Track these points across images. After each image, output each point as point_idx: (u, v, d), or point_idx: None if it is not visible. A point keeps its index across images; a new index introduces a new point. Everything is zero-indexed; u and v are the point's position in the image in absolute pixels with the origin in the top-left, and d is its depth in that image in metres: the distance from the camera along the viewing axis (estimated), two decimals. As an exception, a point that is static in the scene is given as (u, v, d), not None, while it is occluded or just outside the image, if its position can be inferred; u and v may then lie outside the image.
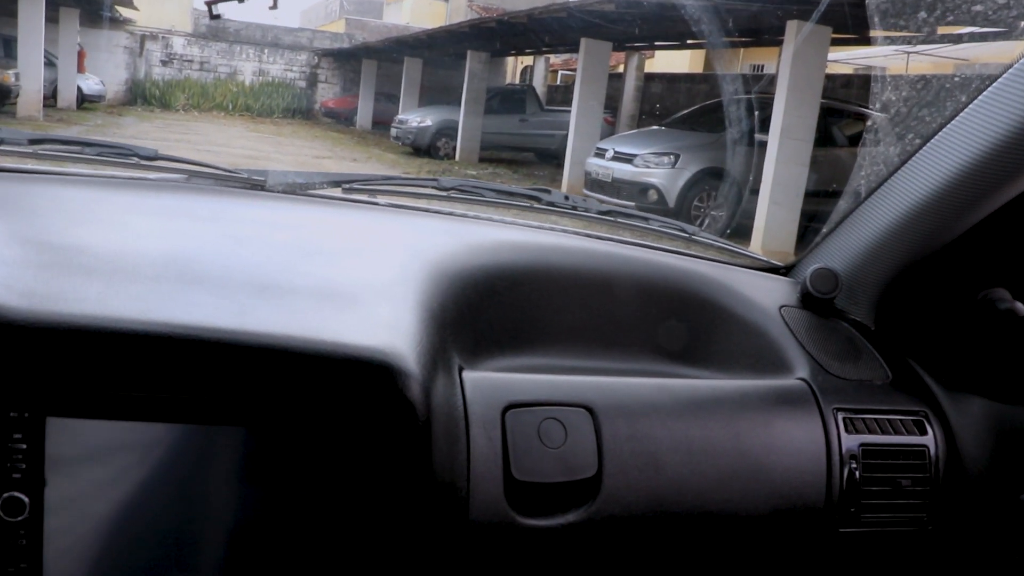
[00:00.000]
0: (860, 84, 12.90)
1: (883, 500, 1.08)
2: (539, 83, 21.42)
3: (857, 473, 1.07)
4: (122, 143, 1.39)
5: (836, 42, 10.42)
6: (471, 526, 0.91)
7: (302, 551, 0.83)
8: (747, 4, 8.84)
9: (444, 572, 0.92)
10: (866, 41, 11.12)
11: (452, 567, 0.92)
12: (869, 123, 9.50)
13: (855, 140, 10.41)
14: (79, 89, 18.36)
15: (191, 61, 23.82)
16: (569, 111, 13.95)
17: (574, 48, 14.09)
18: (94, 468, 0.80)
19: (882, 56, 11.68)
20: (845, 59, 13.61)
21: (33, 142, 1.35)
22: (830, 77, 11.14)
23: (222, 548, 0.82)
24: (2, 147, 1.32)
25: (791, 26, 9.06)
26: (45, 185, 1.19)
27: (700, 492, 0.99)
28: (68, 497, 0.79)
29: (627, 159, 10.72)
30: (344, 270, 1.04)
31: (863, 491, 1.07)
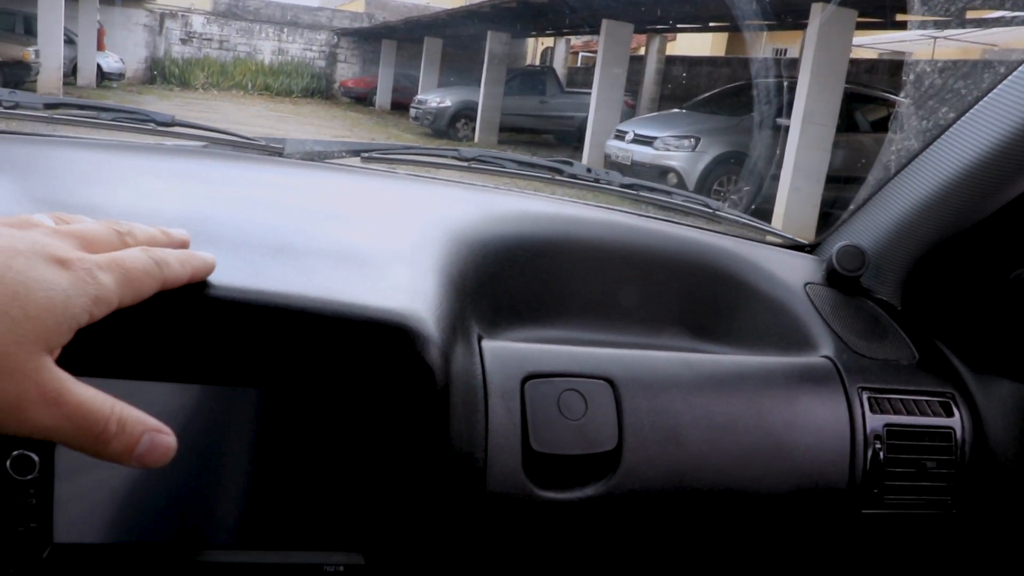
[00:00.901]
0: (885, 69, 12.80)
1: (907, 482, 1.06)
2: (559, 65, 21.48)
3: (881, 454, 1.05)
4: (138, 108, 1.39)
5: (861, 26, 10.34)
6: (488, 497, 0.90)
7: (315, 515, 0.82)
8: None
9: (460, 542, 0.91)
10: (891, 25, 11.03)
11: (468, 537, 0.91)
12: (899, 98, 9.42)
13: (878, 126, 10.36)
14: (99, 67, 18.50)
15: (210, 39, 23.94)
16: (589, 93, 13.96)
17: (595, 30, 14.06)
18: None
19: (908, 40, 11.60)
20: (870, 43, 13.48)
21: (49, 107, 1.34)
22: (854, 62, 11.09)
23: (234, 511, 0.81)
24: (18, 111, 1.31)
25: (816, 9, 9.04)
26: (60, 148, 1.17)
27: (721, 468, 0.97)
28: (79, 457, 0.76)
29: (647, 141, 10.74)
30: (363, 235, 1.02)
31: (887, 472, 1.05)
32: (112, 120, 1.35)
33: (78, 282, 0.44)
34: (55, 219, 0.53)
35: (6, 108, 1.30)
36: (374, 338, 0.81)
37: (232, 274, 0.80)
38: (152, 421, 0.51)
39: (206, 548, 0.80)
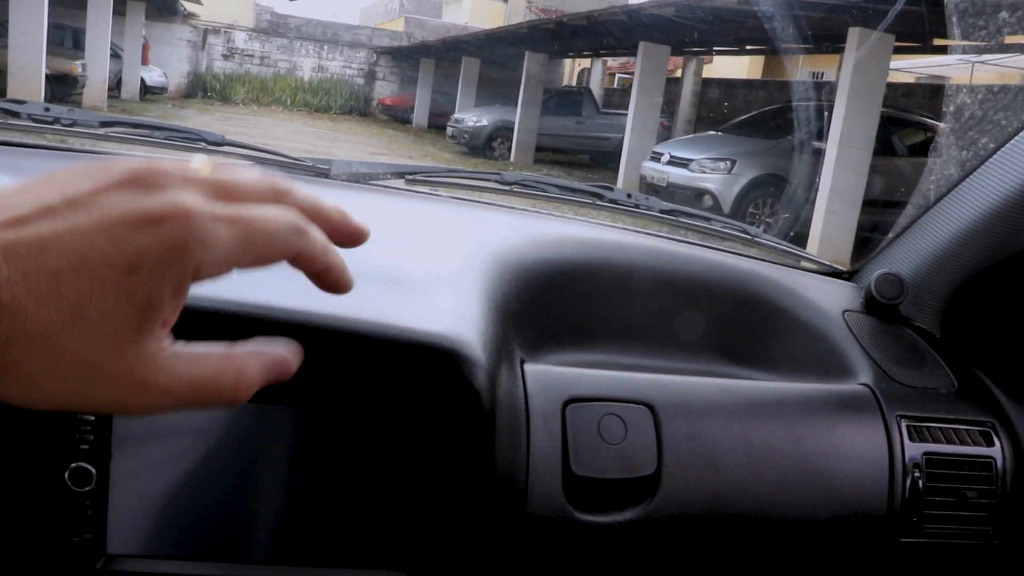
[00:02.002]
0: (923, 93, 12.69)
1: (947, 511, 1.05)
2: (596, 86, 21.47)
3: (920, 482, 1.04)
4: (190, 128, 1.42)
5: (898, 50, 10.27)
6: (529, 519, 0.91)
7: (360, 533, 0.83)
8: (809, 11, 8.74)
9: (501, 563, 0.91)
10: (929, 50, 10.94)
11: (509, 559, 0.91)
12: (938, 124, 9.34)
13: (915, 150, 10.26)
14: (142, 80, 18.84)
15: (252, 56, 24.26)
16: (625, 114, 13.95)
17: (632, 51, 14.07)
18: (156, 443, 0.80)
19: (946, 65, 11.50)
20: (907, 67, 13.38)
21: (104, 124, 1.38)
22: (891, 86, 11.00)
23: (282, 527, 0.83)
24: (75, 128, 1.36)
25: (853, 33, 8.96)
26: None
27: (759, 495, 0.97)
28: (131, 471, 0.79)
29: (683, 163, 10.67)
30: (409, 257, 1.04)
31: (926, 501, 1.04)
32: (164, 139, 1.39)
33: (172, 249, 0.38)
34: (213, 165, 0.47)
35: (64, 125, 1.35)
36: (422, 361, 0.82)
37: (284, 295, 0.82)
38: (270, 356, 0.46)
39: (253, 563, 0.82)
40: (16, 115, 1.35)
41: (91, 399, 0.39)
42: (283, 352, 0.47)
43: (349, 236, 0.53)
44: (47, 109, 1.36)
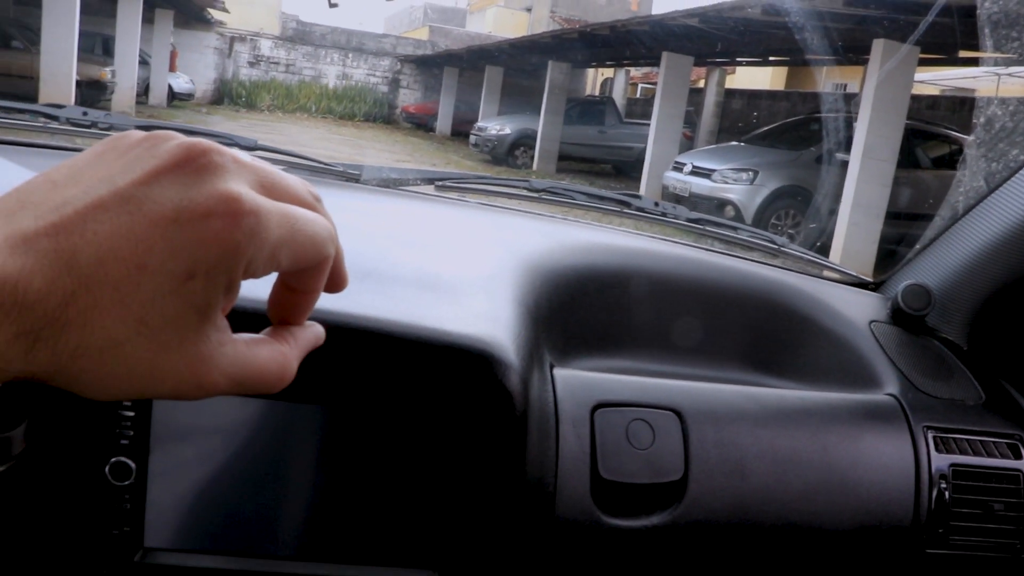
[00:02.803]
0: (947, 105, 12.62)
1: (973, 523, 1.04)
2: (619, 95, 21.48)
3: (947, 494, 1.03)
4: (224, 132, 1.43)
5: (923, 62, 10.23)
6: (557, 522, 0.91)
7: (392, 531, 0.84)
8: (833, 22, 8.72)
9: (528, 566, 0.91)
10: (954, 62, 10.89)
11: (536, 561, 0.91)
12: (964, 137, 9.24)
13: (940, 162, 10.21)
14: (170, 87, 19.10)
15: (277, 63, 24.48)
16: (648, 124, 13.98)
17: (655, 62, 14.10)
18: (192, 440, 0.82)
19: (971, 77, 11.43)
20: (932, 79, 13.32)
21: (140, 128, 1.30)
22: (915, 98, 10.95)
23: (314, 524, 0.83)
24: (113, 132, 1.35)
25: (877, 45, 8.92)
26: None
27: (785, 502, 0.97)
28: (168, 467, 0.81)
29: (705, 174, 10.68)
30: (442, 262, 1.04)
31: (952, 512, 1.03)
32: None
33: (225, 244, 0.38)
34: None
35: (101, 129, 1.37)
36: (457, 363, 0.83)
37: (322, 297, 0.85)
38: (309, 338, 0.48)
39: (284, 559, 0.83)
40: (55, 119, 1.38)
41: (153, 392, 0.40)
42: (315, 332, 0.49)
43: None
44: (85, 114, 1.39)
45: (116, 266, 0.36)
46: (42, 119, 1.39)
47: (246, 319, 0.73)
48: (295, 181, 0.45)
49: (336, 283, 0.48)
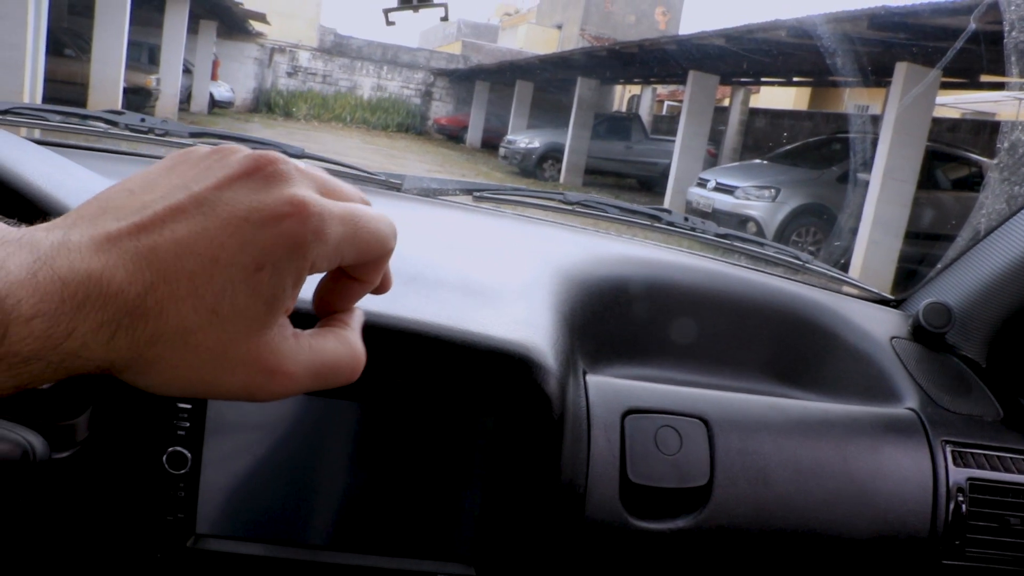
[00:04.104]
0: (968, 128, 12.66)
1: (990, 536, 1.05)
2: (645, 112, 21.55)
3: (964, 507, 1.04)
4: (273, 140, 1.46)
5: (944, 86, 10.31)
6: (586, 524, 0.93)
7: (433, 526, 0.87)
8: (857, 45, 8.80)
9: (558, 565, 0.93)
10: (976, 86, 10.96)
11: (566, 561, 0.93)
12: (986, 160, 9.12)
13: (959, 184, 10.20)
14: (211, 95, 19.35)
15: (315, 74, 24.67)
16: (673, 141, 14.00)
17: (682, 80, 14.13)
18: (244, 432, 0.84)
19: (993, 101, 11.49)
20: (953, 103, 13.35)
21: (193, 135, 1.45)
22: (936, 120, 10.96)
23: (359, 517, 0.86)
24: (167, 138, 1.43)
25: (900, 68, 8.89)
26: None
27: (806, 510, 0.98)
28: (221, 457, 0.83)
29: (728, 190, 10.75)
30: (482, 269, 1.07)
31: (969, 525, 1.05)
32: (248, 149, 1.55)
33: (293, 243, 0.40)
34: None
35: (158, 135, 1.42)
36: (498, 366, 0.85)
37: (370, 300, 0.86)
38: (359, 316, 0.49)
39: (327, 549, 0.86)
40: (115, 124, 1.42)
41: (222, 387, 0.41)
42: (361, 312, 0.50)
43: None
44: (142, 120, 1.44)
45: (191, 260, 0.39)
46: (102, 124, 1.43)
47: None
48: (349, 187, 0.47)
49: (383, 285, 0.50)
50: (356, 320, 0.49)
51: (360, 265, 0.47)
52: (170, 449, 0.82)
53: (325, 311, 0.48)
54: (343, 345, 0.46)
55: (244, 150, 0.43)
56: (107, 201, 0.41)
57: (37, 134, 1.45)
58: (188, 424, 0.82)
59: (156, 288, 0.38)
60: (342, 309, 0.49)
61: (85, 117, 1.45)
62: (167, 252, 0.39)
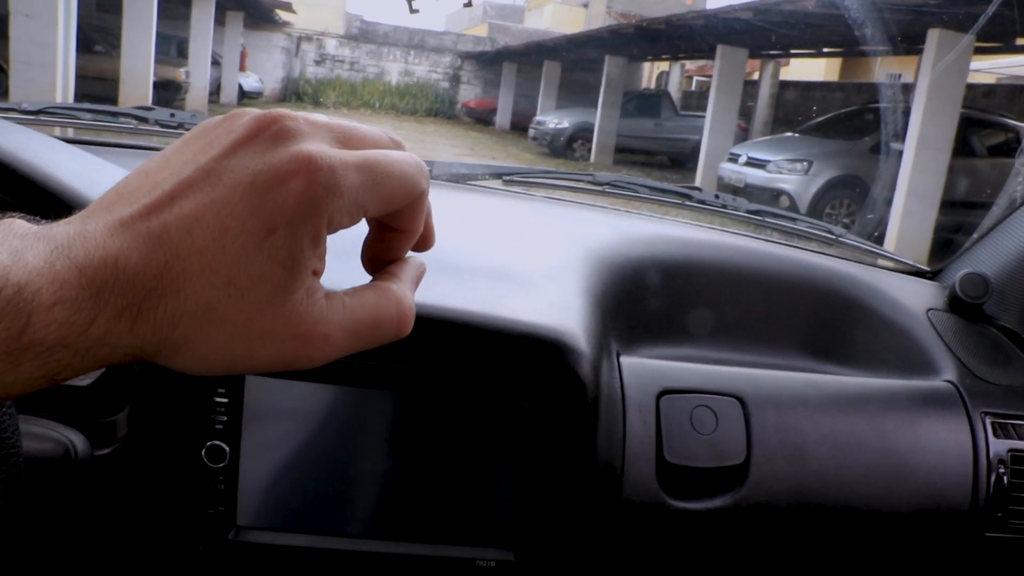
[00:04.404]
0: (1004, 93, 12.46)
1: None
2: (674, 88, 21.43)
3: (1005, 478, 1.04)
4: None
5: (979, 51, 10.15)
6: (624, 505, 0.93)
7: (471, 512, 0.87)
8: (888, 12, 8.68)
9: (597, 547, 0.94)
10: (1011, 49, 10.77)
11: (605, 542, 0.94)
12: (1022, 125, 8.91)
13: (995, 151, 10.09)
14: (240, 86, 19.45)
15: (342, 61, 24.73)
16: (703, 116, 13.94)
17: (710, 55, 14.01)
18: (280, 423, 0.84)
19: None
20: (988, 68, 13.14)
21: None
22: (970, 86, 10.83)
23: (397, 505, 0.86)
24: None
25: (932, 34, 8.77)
26: None
27: (844, 486, 0.98)
28: (258, 450, 0.84)
29: (760, 165, 10.71)
30: (513, 253, 1.07)
31: (1011, 497, 1.04)
32: None
33: (307, 201, 0.39)
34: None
35: (187, 130, 1.39)
36: (531, 352, 0.85)
37: None
38: (415, 267, 0.48)
39: (367, 538, 0.86)
40: (145, 121, 1.44)
41: (258, 359, 0.40)
42: (418, 263, 0.48)
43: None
44: (172, 115, 1.45)
45: (201, 234, 0.38)
46: (133, 121, 1.45)
47: None
48: (373, 131, 0.45)
49: (425, 241, 0.49)
50: (408, 271, 0.47)
51: (395, 214, 0.45)
52: (208, 443, 0.82)
53: (375, 268, 0.47)
54: (385, 298, 0.44)
55: (251, 112, 0.42)
56: (124, 187, 0.41)
57: (71, 133, 1.45)
58: (225, 417, 0.82)
59: (170, 267, 0.38)
60: (394, 260, 0.47)
61: (115, 115, 1.46)
62: (177, 229, 0.38)
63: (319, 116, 0.44)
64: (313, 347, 0.41)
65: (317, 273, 0.41)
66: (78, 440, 0.80)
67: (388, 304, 0.44)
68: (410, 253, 0.48)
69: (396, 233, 0.46)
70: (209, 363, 0.40)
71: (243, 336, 0.39)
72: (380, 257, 0.47)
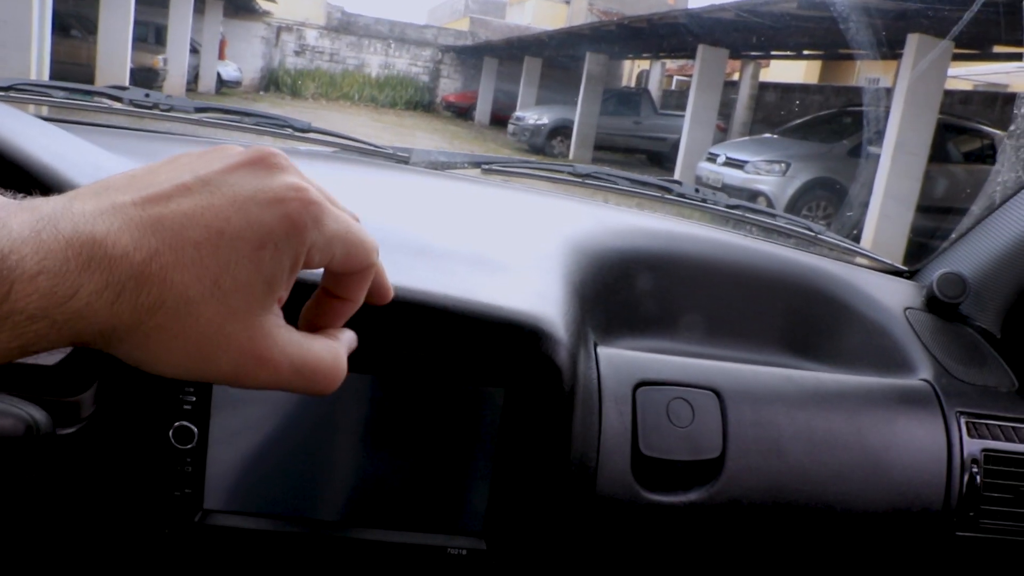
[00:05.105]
0: (980, 100, 12.57)
1: (1004, 507, 1.05)
2: (654, 87, 21.46)
3: (978, 478, 1.04)
4: (278, 114, 1.46)
5: (957, 57, 10.23)
6: (598, 496, 0.92)
7: (443, 501, 0.86)
8: (868, 17, 8.73)
9: (570, 539, 0.93)
10: (988, 57, 10.88)
11: (577, 535, 0.93)
12: (999, 132, 9.04)
13: (971, 157, 10.19)
14: (218, 75, 19.26)
15: (322, 52, 24.53)
16: (682, 116, 13.95)
17: (691, 54, 14.02)
18: (250, 407, 0.83)
19: (1004, 72, 11.42)
20: (965, 75, 13.27)
21: (198, 110, 1.44)
22: (948, 92, 10.87)
23: (358, 489, 0.85)
24: (172, 113, 1.41)
25: (911, 40, 8.84)
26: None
27: (819, 482, 0.98)
28: (227, 432, 0.82)
29: (738, 165, 10.74)
30: (492, 241, 1.06)
31: (983, 496, 1.04)
32: (254, 124, 1.43)
33: (294, 227, 0.42)
34: None
35: (163, 110, 1.40)
36: (508, 338, 0.84)
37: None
38: (350, 338, 0.50)
39: (336, 523, 0.85)
40: (119, 100, 1.41)
41: (214, 366, 0.41)
42: (352, 335, 0.51)
43: (380, 294, 0.54)
44: (147, 95, 1.42)
45: (197, 231, 0.39)
46: (107, 100, 1.42)
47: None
48: (339, 203, 0.48)
49: (382, 294, 0.52)
50: (346, 338, 0.49)
51: (343, 280, 0.48)
52: (176, 424, 0.81)
53: (312, 330, 0.48)
54: (328, 352, 0.46)
55: (252, 147, 0.45)
56: (111, 181, 0.42)
57: (44, 111, 1.44)
58: (194, 398, 0.81)
59: (161, 254, 0.39)
60: (331, 327, 0.50)
61: (89, 93, 1.44)
62: (173, 222, 0.39)
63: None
64: (263, 369, 0.42)
65: (281, 301, 0.44)
66: (41, 417, 0.78)
67: (330, 356, 0.46)
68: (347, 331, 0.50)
69: (337, 302, 0.49)
70: (169, 359, 0.41)
71: (211, 339, 0.40)
72: (316, 323, 0.49)
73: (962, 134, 10.53)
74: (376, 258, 0.48)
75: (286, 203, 0.42)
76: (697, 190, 1.56)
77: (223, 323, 0.40)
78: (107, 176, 0.42)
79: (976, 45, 10.00)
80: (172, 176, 0.42)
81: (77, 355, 0.83)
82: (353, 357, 0.49)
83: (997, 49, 9.89)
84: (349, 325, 0.51)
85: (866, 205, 9.25)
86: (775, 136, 12.00)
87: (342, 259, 0.46)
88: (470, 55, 24.93)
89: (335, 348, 0.47)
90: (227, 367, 0.41)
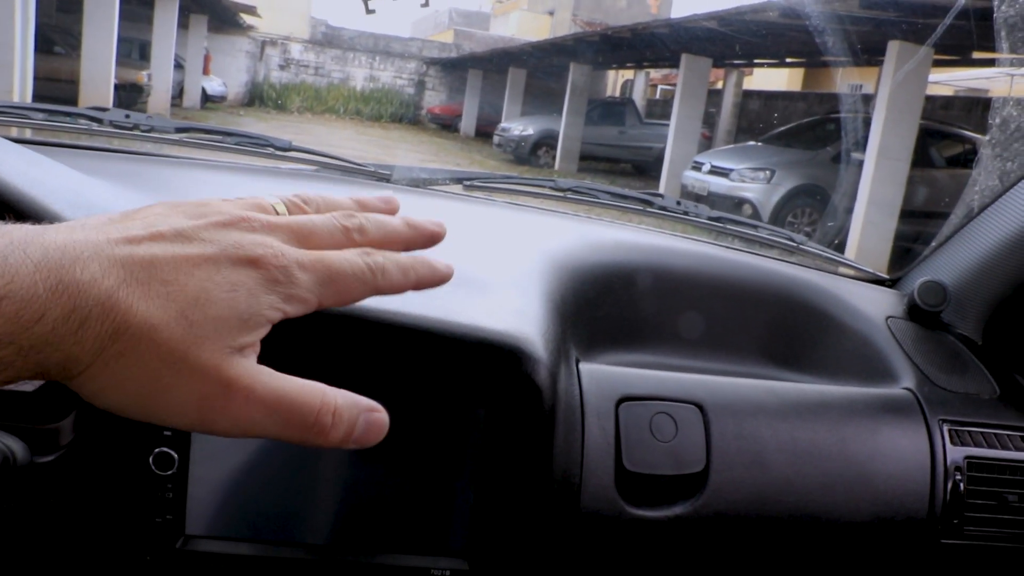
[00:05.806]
0: (961, 106, 12.67)
1: (988, 514, 1.06)
2: (639, 97, 21.46)
3: (961, 485, 1.05)
4: (259, 134, 1.45)
5: (937, 63, 10.32)
6: (582, 513, 0.92)
7: (424, 522, 0.86)
8: (849, 24, 8.80)
9: (554, 556, 0.92)
10: (968, 63, 10.96)
11: (562, 552, 0.93)
12: (979, 137, 9.17)
13: (953, 161, 10.24)
14: (203, 90, 19.28)
15: (307, 66, 24.59)
16: (667, 125, 14.00)
17: (674, 63, 14.11)
18: None
19: (985, 78, 11.51)
20: (946, 80, 13.37)
21: (179, 130, 1.43)
22: (929, 98, 10.98)
23: (339, 513, 0.85)
24: (153, 134, 1.40)
25: (892, 46, 8.92)
26: (189, 170, 1.27)
27: (804, 493, 0.98)
28: (208, 457, 0.83)
29: (723, 173, 10.79)
30: (472, 259, 1.05)
31: (967, 504, 1.05)
32: (235, 144, 1.42)
33: (267, 281, 0.42)
34: (288, 203, 0.52)
35: (143, 131, 1.39)
36: (488, 358, 0.83)
37: None
38: (364, 401, 0.47)
39: (319, 547, 0.84)
40: (99, 121, 1.40)
41: (174, 400, 0.40)
42: (375, 405, 0.48)
43: (427, 240, 0.58)
44: (127, 116, 1.41)
45: (166, 270, 0.41)
46: (86, 122, 1.42)
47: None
48: (325, 222, 0.49)
49: (432, 285, 0.55)
50: (358, 397, 0.48)
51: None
52: (156, 450, 0.80)
53: None
54: (311, 389, 0.45)
55: (227, 207, 0.47)
56: (84, 221, 0.43)
57: (26, 133, 1.44)
58: None
59: (128, 284, 0.39)
60: None
61: (69, 115, 1.43)
62: (143, 260, 0.40)
63: (279, 218, 0.48)
64: (232, 401, 0.41)
65: (256, 350, 0.44)
66: (17, 447, 0.78)
67: (312, 394, 0.44)
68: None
69: None
70: (128, 390, 0.40)
71: (172, 367, 0.40)
72: None
73: (944, 139, 10.59)
74: (378, 281, 0.49)
75: (257, 263, 0.43)
76: (679, 202, 1.56)
77: (187, 349, 0.40)
78: (85, 207, 0.44)
79: (956, 51, 10.11)
80: (148, 223, 0.43)
81: (56, 382, 0.83)
82: (332, 380, 0.47)
83: (976, 55, 9.98)
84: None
85: (850, 211, 9.30)
86: (759, 144, 12.05)
87: (334, 297, 0.47)
88: (455, 67, 25.01)
89: (321, 389, 0.45)
90: (190, 397, 0.40)
